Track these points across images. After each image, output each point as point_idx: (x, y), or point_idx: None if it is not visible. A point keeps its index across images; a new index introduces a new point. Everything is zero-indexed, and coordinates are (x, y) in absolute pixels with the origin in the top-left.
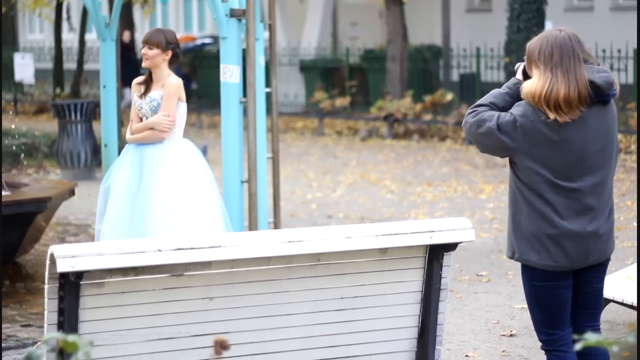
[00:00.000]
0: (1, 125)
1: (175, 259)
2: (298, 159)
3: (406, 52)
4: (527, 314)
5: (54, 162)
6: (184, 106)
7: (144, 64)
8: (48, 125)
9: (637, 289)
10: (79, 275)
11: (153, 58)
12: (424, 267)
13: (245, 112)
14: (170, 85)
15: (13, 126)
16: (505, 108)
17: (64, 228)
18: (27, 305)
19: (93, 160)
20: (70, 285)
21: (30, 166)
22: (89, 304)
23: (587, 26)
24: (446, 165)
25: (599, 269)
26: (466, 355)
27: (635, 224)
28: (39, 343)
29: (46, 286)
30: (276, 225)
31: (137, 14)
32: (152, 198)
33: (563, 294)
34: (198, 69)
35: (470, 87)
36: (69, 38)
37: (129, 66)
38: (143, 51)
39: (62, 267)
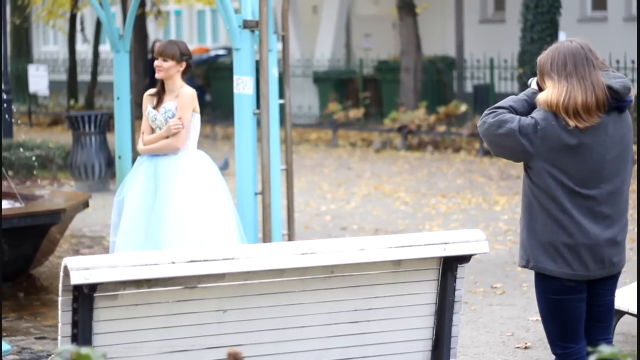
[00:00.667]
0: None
1: (189, 271)
2: (312, 171)
3: (420, 63)
4: (541, 327)
5: (68, 174)
6: (198, 117)
7: (158, 76)
8: (62, 137)
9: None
10: (93, 287)
11: (168, 70)
12: (438, 279)
13: (258, 123)
14: (185, 96)
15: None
16: (523, 113)
17: (78, 240)
18: (42, 317)
19: (107, 172)
20: (84, 298)
21: (44, 178)
22: (103, 316)
23: (601, 37)
24: (460, 177)
25: (612, 282)
26: None
27: None
28: (52, 355)
29: (60, 298)
30: (290, 237)
31: (151, 25)
32: (167, 210)
33: (579, 307)
34: (211, 80)
35: (484, 98)
36: (83, 50)
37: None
38: (157, 63)
39: (76, 279)
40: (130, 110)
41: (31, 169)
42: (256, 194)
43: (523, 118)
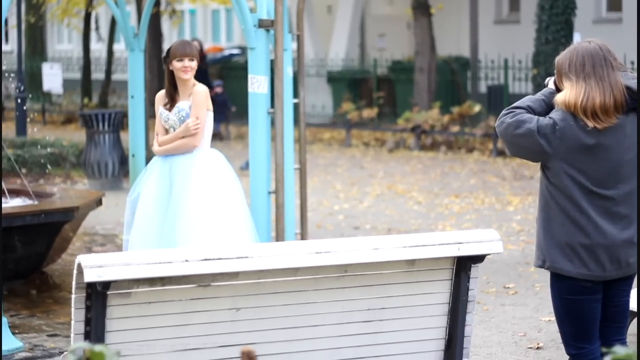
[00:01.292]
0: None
1: (203, 270)
2: (325, 170)
3: (434, 64)
4: (554, 327)
5: (82, 172)
6: (211, 115)
7: (185, 77)
8: (76, 135)
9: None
10: (106, 285)
11: (193, 70)
12: (452, 279)
13: (272, 122)
14: (199, 94)
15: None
16: (541, 114)
17: (91, 238)
18: (54, 314)
19: (120, 171)
20: (98, 295)
21: (57, 176)
22: (116, 314)
23: (616, 38)
24: (473, 177)
25: (628, 282)
26: None
27: None
28: (65, 353)
29: (73, 296)
30: (303, 236)
31: (166, 24)
32: (182, 208)
33: (594, 307)
34: (226, 79)
35: (498, 99)
36: (97, 48)
37: (200, 76)
38: (185, 64)
39: (90, 276)
40: (144, 108)
41: (44, 166)
42: (270, 193)
43: (541, 118)
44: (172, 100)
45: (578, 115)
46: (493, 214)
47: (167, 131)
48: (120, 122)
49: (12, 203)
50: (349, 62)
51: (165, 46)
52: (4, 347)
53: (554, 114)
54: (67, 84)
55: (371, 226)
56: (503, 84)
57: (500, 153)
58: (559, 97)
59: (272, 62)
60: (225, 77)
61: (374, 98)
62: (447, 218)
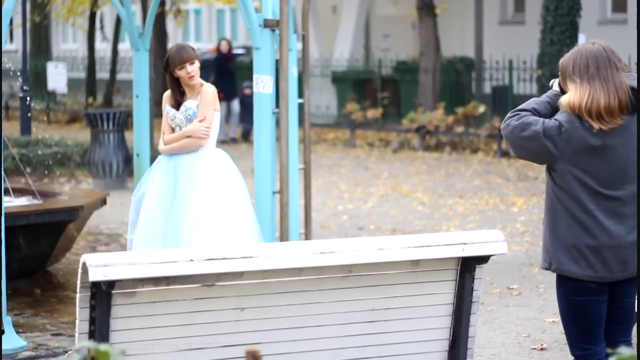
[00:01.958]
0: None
1: (207, 269)
2: (329, 171)
3: (439, 64)
4: (558, 328)
5: (86, 171)
6: (218, 115)
7: (193, 82)
8: (80, 134)
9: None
10: (111, 284)
11: (197, 71)
12: (456, 280)
13: (277, 122)
14: (207, 94)
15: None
16: (546, 116)
17: (95, 237)
18: (58, 314)
19: (125, 170)
20: (102, 294)
21: (62, 175)
22: (121, 313)
23: (621, 39)
24: (478, 178)
25: (634, 284)
26: None
27: None
28: (70, 352)
29: (78, 295)
30: (307, 236)
31: (170, 24)
32: (187, 208)
33: (600, 309)
34: None
35: (503, 100)
36: (102, 48)
37: (227, 77)
38: (188, 70)
39: (94, 276)
40: (149, 108)
41: (49, 166)
42: (274, 193)
43: (547, 120)
44: (179, 99)
45: (583, 117)
46: (497, 215)
47: (173, 130)
48: (124, 121)
49: (16, 202)
50: (354, 62)
51: (170, 45)
52: (8, 346)
53: (560, 116)
54: (71, 83)
55: (375, 226)
56: (508, 84)
57: (505, 154)
58: (564, 99)
59: (277, 62)
60: None
61: (379, 98)
62: (451, 219)
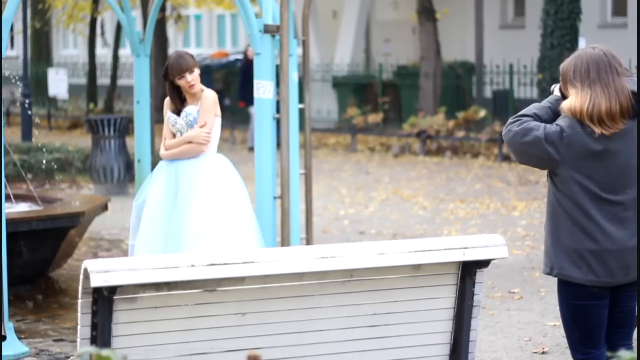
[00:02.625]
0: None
1: (209, 275)
2: (330, 175)
3: (439, 69)
4: (559, 332)
5: (87, 177)
6: (218, 121)
7: (193, 91)
8: (81, 140)
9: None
10: (113, 290)
11: (197, 79)
12: (457, 284)
13: (278, 127)
14: (207, 99)
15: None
16: (547, 121)
17: (96, 243)
18: (60, 319)
19: (126, 176)
20: (104, 300)
21: (63, 181)
22: (122, 319)
23: (621, 43)
24: (479, 182)
25: (635, 287)
26: None
27: None
28: (72, 358)
29: (79, 300)
30: (308, 241)
31: (171, 29)
32: (188, 214)
33: (601, 313)
34: (231, 84)
35: (504, 104)
36: (103, 54)
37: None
38: (187, 80)
39: (96, 281)
40: (150, 114)
41: (50, 172)
42: (275, 198)
43: (548, 126)
44: (180, 105)
45: (585, 122)
46: (498, 219)
47: (174, 135)
48: (125, 127)
49: (18, 208)
50: (354, 67)
51: (171, 51)
52: (10, 352)
53: (561, 121)
54: (72, 89)
55: (376, 231)
56: (508, 88)
57: (506, 158)
58: (565, 104)
59: (278, 68)
60: (230, 82)
61: (379, 103)
62: (452, 223)
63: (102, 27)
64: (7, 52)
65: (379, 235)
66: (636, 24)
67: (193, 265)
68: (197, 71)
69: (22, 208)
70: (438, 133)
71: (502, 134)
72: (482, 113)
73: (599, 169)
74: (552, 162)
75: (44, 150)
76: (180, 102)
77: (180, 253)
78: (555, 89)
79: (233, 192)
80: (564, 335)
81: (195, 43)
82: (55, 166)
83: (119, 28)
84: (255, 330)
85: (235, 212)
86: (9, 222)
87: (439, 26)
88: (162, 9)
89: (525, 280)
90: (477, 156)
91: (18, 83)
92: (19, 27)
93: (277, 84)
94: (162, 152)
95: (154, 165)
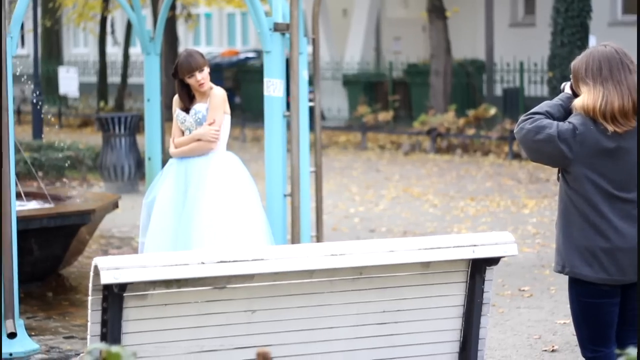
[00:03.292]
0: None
1: (219, 272)
2: (341, 173)
3: (449, 67)
4: (569, 330)
5: (98, 175)
6: (228, 119)
7: (203, 90)
8: (92, 138)
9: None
10: (123, 287)
11: (207, 78)
12: (466, 282)
13: (288, 125)
14: (216, 97)
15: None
16: (559, 119)
17: (107, 241)
18: (70, 317)
19: (136, 174)
20: (114, 297)
21: (74, 179)
22: (132, 316)
23: (632, 40)
24: (489, 180)
25: None
26: None
27: None
28: (82, 354)
29: (90, 298)
30: (318, 239)
31: (181, 28)
32: (198, 211)
33: (612, 311)
34: (241, 82)
35: (514, 102)
36: (113, 52)
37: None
38: (197, 79)
39: (106, 278)
40: (160, 112)
41: (61, 169)
42: (285, 195)
43: (561, 123)
44: (189, 102)
45: (597, 120)
46: (508, 217)
47: (183, 133)
48: (136, 125)
49: (28, 206)
50: (365, 65)
51: (181, 49)
52: (20, 349)
53: (574, 119)
54: (83, 87)
55: (387, 229)
56: (519, 86)
57: (516, 156)
58: (578, 102)
59: (288, 66)
60: (241, 80)
61: (390, 101)
62: (462, 221)
63: (112, 25)
64: (17, 50)
65: (389, 233)
66: None
67: (203, 263)
68: (206, 70)
69: (32, 206)
70: (448, 131)
71: (514, 131)
72: (493, 111)
73: (612, 166)
74: (565, 159)
75: (56, 148)
76: (189, 100)
77: (190, 250)
78: (566, 87)
79: (242, 190)
80: (574, 333)
81: (206, 41)
82: (66, 164)
83: (129, 26)
84: (264, 327)
85: (244, 209)
86: (20, 219)
87: (449, 24)
88: (172, 7)
89: (535, 278)
90: (488, 154)
91: (29, 82)
92: (29, 25)
93: (287, 82)
94: (172, 149)
95: (164, 163)
